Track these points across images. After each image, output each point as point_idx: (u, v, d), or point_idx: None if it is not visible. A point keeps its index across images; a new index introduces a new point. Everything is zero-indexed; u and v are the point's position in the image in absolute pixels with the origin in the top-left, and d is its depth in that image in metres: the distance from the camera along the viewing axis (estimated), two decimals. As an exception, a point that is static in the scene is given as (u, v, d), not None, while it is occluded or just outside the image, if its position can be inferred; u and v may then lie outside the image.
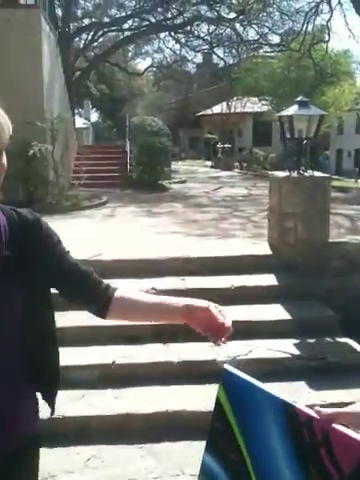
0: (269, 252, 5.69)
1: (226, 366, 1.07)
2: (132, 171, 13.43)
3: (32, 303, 1.27)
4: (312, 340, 4.45)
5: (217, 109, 27.44)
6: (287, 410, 0.98)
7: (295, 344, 4.45)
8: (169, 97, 36.50)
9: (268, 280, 5.24)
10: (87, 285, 1.38)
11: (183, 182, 14.70)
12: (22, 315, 1.26)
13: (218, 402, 1.07)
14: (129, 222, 7.94)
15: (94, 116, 41.18)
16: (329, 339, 4.49)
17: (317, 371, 4.07)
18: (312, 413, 0.96)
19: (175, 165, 19.41)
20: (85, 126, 27.64)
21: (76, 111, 22.63)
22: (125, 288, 1.41)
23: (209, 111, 28.77)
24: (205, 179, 16.21)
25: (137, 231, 7.13)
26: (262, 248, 5.84)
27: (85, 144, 21.95)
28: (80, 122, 25.52)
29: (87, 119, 28.66)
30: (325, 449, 0.93)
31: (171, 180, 14.17)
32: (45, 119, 9.05)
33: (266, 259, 5.57)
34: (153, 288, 5.02)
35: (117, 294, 1.37)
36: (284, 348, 4.38)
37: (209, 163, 24.05)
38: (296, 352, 4.33)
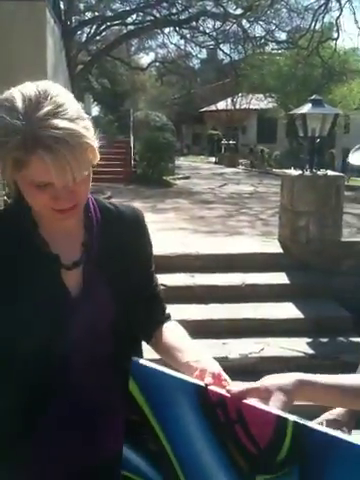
0: (280, 250, 5.65)
1: (134, 358, 1.04)
2: (136, 166, 13.37)
3: (123, 303, 1.17)
4: (325, 339, 4.42)
5: (221, 105, 27.33)
6: (199, 392, 0.98)
7: (308, 343, 4.42)
8: (172, 92, 36.35)
9: (280, 279, 5.20)
10: (152, 309, 1.29)
11: (187, 178, 14.66)
12: (115, 316, 1.17)
13: (131, 395, 1.05)
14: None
15: (95, 110, 41.07)
16: (343, 339, 4.47)
17: (330, 370, 4.01)
18: (224, 392, 0.96)
19: (178, 161, 19.36)
20: (87, 120, 27.50)
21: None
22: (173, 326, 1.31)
23: (213, 107, 28.67)
24: (209, 175, 16.17)
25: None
26: (273, 246, 5.80)
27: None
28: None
29: (88, 113, 28.47)
30: (240, 426, 0.94)
31: (175, 176, 14.13)
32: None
33: (277, 257, 5.53)
34: (162, 284, 4.98)
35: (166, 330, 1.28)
36: (297, 347, 4.35)
37: (212, 159, 24.00)
38: (309, 351, 4.30)
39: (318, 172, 5.51)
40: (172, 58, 25.88)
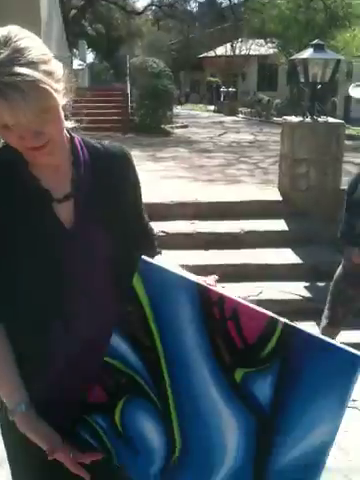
0: (279, 198, 5.69)
1: (143, 257, 1.08)
2: (134, 115, 13.17)
3: (115, 237, 1.23)
4: (322, 284, 4.51)
5: (221, 51, 26.60)
6: (200, 291, 1.03)
7: (306, 287, 4.53)
8: (169, 38, 35.33)
9: (279, 226, 5.26)
10: (143, 244, 1.35)
11: (185, 127, 14.46)
12: (109, 254, 1.22)
13: (133, 289, 1.09)
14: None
15: (90, 57, 39.98)
16: (339, 284, 4.55)
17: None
18: (224, 293, 1.02)
19: (176, 109, 19.04)
20: (81, 68, 26.88)
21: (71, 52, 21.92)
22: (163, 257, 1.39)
23: (212, 53, 27.92)
24: (208, 124, 15.95)
25: (142, 174, 7.05)
26: (272, 194, 5.83)
27: (81, 86, 21.41)
28: (75, 63, 24.80)
29: (83, 60, 27.80)
30: (233, 322, 1.00)
31: (174, 124, 13.93)
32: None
33: (276, 205, 5.57)
34: (162, 231, 5.04)
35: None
36: (295, 290, 4.47)
37: (211, 107, 23.60)
38: (307, 294, 4.42)
39: (319, 119, 5.47)
40: (169, 1, 25.02)
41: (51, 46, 11.45)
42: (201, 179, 6.97)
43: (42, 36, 9.09)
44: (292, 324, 0.95)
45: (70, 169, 1.22)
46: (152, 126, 12.45)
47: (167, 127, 13.05)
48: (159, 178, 6.86)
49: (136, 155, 9.11)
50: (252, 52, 25.25)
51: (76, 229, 1.19)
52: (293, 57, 6.17)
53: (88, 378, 1.13)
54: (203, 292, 1.02)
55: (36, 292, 1.16)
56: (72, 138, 1.24)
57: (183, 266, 1.38)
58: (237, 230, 5.15)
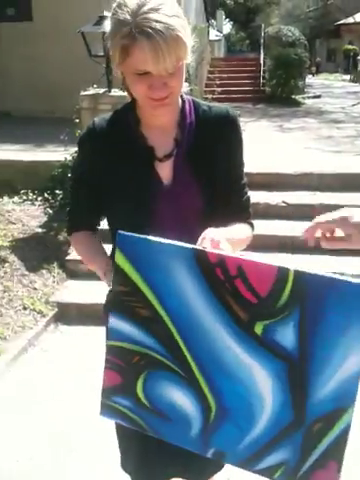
0: None
1: (120, 231, 1.07)
2: (265, 85, 13.05)
3: (209, 196, 1.32)
4: None
5: (360, 17, 25.13)
6: (198, 255, 1.02)
7: None
8: (307, 5, 33.95)
9: None
10: (233, 208, 1.39)
11: (318, 97, 14.04)
12: (199, 210, 1.32)
13: (118, 267, 1.08)
14: (260, 136, 7.89)
15: (227, 27, 39.76)
16: None
17: None
18: (223, 253, 1.02)
19: (309, 79, 18.44)
20: (218, 38, 26.89)
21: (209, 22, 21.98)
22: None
23: (351, 19, 26.42)
24: (342, 94, 15.32)
25: (267, 144, 7.09)
26: None
27: (217, 57, 21.52)
28: (212, 34, 24.84)
29: (219, 31, 27.76)
30: (240, 279, 1.00)
31: (305, 95, 13.59)
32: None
33: None
34: (283, 201, 5.08)
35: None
36: None
37: (347, 77, 22.49)
38: None
39: None
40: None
41: (190, 16, 11.73)
42: (328, 150, 6.83)
43: (182, 6, 9.38)
44: (302, 270, 0.97)
45: (175, 129, 1.34)
46: (283, 96, 12.28)
47: (298, 97, 12.77)
48: (284, 148, 6.85)
49: (263, 125, 9.17)
50: None
51: (172, 185, 1.32)
52: None
53: None
54: (200, 256, 1.03)
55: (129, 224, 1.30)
56: (183, 100, 1.36)
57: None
58: (361, 202, 5.03)
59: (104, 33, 4.75)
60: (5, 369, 3.21)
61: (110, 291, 1.25)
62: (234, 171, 1.40)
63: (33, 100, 8.30)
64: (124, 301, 1.10)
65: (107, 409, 1.20)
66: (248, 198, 1.46)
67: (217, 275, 1.01)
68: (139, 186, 1.31)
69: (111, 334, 1.14)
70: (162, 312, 1.08)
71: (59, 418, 2.78)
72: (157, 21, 1.11)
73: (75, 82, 5.35)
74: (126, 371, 1.15)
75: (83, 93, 5.05)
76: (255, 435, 1.08)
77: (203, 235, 1.14)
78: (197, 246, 1.06)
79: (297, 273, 0.97)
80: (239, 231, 1.38)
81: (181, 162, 1.33)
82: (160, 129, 1.33)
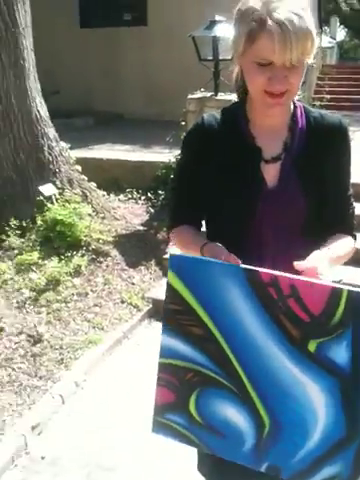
0: None
1: (172, 252, 1.09)
2: (379, 94, 12.50)
3: (313, 202, 1.29)
4: None
5: None
6: (250, 276, 1.04)
7: None
8: None
9: None
10: (337, 217, 1.37)
11: None
12: (303, 216, 1.29)
13: (170, 287, 1.09)
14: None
15: (341, 34, 38.57)
16: None
17: None
18: (276, 273, 1.03)
19: None
20: (330, 45, 26.16)
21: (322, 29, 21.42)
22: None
23: None
24: None
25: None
26: None
27: (328, 64, 20.95)
28: (325, 41, 24.19)
29: (333, 38, 27.00)
30: (294, 299, 1.01)
31: None
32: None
33: None
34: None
35: None
36: None
37: None
38: None
39: None
40: None
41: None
42: None
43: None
44: (355, 289, 0.99)
45: (285, 133, 1.32)
46: None
47: None
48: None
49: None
50: None
51: (276, 188, 1.30)
52: None
53: None
54: (252, 275, 1.05)
55: (229, 223, 1.32)
56: (295, 105, 1.35)
57: None
58: None
59: (214, 37, 4.84)
60: (101, 358, 3.36)
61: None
62: (341, 182, 1.38)
63: (144, 103, 8.61)
64: (177, 319, 1.13)
65: (160, 426, 1.22)
66: (353, 209, 1.43)
67: (270, 294, 1.04)
68: (243, 185, 1.31)
69: (163, 352, 1.16)
70: (215, 330, 1.10)
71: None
72: (289, 10, 1.12)
73: (184, 86, 5.49)
74: (179, 388, 1.17)
75: (190, 96, 5.16)
76: (309, 449, 1.10)
77: (308, 262, 1.11)
78: (249, 266, 1.07)
79: (350, 293, 0.99)
80: (342, 246, 1.34)
81: (289, 167, 1.31)
82: (270, 130, 1.33)
